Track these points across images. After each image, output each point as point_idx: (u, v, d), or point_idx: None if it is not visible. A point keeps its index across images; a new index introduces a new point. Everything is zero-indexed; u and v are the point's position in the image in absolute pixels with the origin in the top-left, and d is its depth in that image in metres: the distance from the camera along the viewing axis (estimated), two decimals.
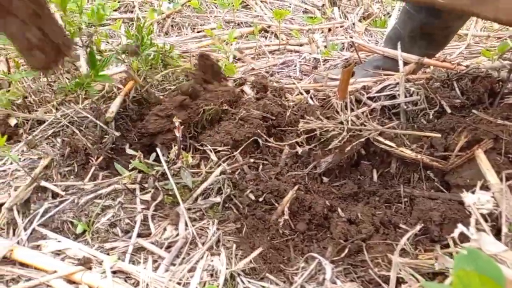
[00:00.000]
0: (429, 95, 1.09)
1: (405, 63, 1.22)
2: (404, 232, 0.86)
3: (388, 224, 0.90)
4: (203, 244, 0.82)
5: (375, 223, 0.88)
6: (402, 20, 1.33)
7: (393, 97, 1.13)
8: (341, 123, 0.97)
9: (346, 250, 0.78)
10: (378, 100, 1.13)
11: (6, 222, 0.83)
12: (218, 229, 0.85)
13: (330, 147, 0.95)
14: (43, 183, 0.89)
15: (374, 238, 0.85)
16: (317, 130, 0.98)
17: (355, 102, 1.13)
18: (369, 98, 1.13)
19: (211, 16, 2.04)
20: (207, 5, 2.15)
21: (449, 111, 1.07)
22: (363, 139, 0.97)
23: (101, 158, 0.92)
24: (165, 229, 0.85)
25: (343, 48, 1.67)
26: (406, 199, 0.96)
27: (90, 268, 0.75)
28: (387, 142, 0.99)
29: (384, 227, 0.89)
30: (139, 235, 0.82)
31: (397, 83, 1.14)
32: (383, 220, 0.90)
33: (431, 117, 1.06)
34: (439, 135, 0.97)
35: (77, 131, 0.97)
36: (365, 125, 0.98)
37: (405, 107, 1.08)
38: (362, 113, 1.01)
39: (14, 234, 0.82)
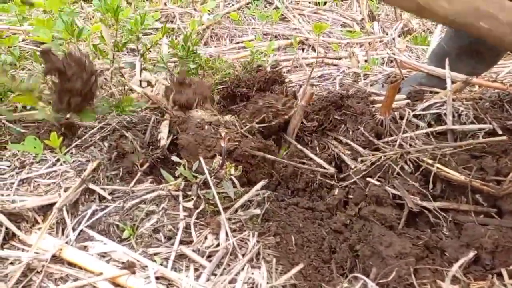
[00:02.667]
0: (478, 116, 1.05)
1: (452, 82, 1.19)
2: (452, 257, 0.83)
3: (433, 248, 0.87)
4: (243, 255, 0.81)
5: (420, 246, 0.86)
6: (449, 36, 1.30)
7: (439, 116, 1.10)
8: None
9: (394, 273, 0.75)
10: (423, 118, 1.10)
11: (56, 222, 0.86)
12: (258, 241, 0.85)
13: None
14: (91, 186, 0.92)
15: (420, 262, 0.82)
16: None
17: (399, 119, 1.10)
18: (414, 116, 1.10)
19: (249, 28, 2.08)
20: (245, 17, 2.18)
21: (500, 132, 1.02)
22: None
23: (147, 164, 0.95)
24: (206, 238, 0.85)
25: (383, 63, 1.65)
26: (452, 223, 0.92)
27: (134, 272, 0.76)
28: (430, 161, 0.96)
29: (429, 251, 0.86)
30: (181, 242, 0.83)
31: (444, 102, 1.10)
32: (428, 244, 0.87)
33: (480, 138, 1.02)
34: None
35: (129, 135, 1.00)
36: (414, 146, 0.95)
37: (452, 127, 1.05)
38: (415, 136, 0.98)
39: (63, 234, 0.84)
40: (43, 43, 1.55)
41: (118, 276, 0.75)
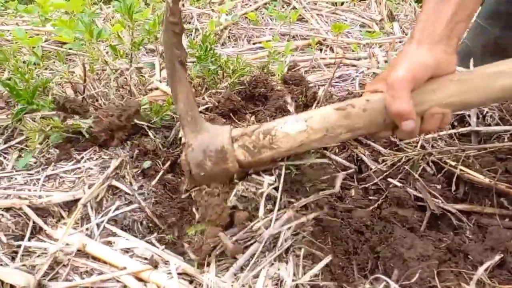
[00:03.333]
0: (504, 117, 1.03)
1: None
2: (476, 261, 0.81)
3: (456, 251, 0.85)
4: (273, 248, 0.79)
5: (442, 249, 0.84)
6: (473, 34, 1.28)
7: (462, 117, 1.08)
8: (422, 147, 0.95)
9: (417, 275, 0.75)
10: None
11: (80, 217, 0.88)
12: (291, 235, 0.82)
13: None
14: (114, 183, 0.94)
15: (442, 265, 0.81)
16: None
17: None
18: None
19: (266, 28, 2.08)
20: (263, 17, 2.19)
21: None
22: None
23: (168, 162, 0.96)
24: None
25: None
26: (476, 227, 0.91)
27: (156, 267, 0.78)
28: (453, 163, 0.95)
29: (452, 254, 0.85)
30: None
31: None
32: (451, 246, 0.85)
33: (506, 140, 1.00)
34: None
35: (151, 133, 1.02)
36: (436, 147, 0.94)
37: (477, 128, 1.03)
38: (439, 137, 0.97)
39: (87, 229, 0.86)
40: (65, 43, 1.60)
41: (141, 271, 0.76)
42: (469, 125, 1.04)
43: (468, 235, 0.89)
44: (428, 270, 0.77)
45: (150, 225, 0.87)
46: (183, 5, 2.33)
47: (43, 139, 1.03)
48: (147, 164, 0.96)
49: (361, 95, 1.17)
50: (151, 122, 1.05)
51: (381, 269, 0.80)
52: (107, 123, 0.98)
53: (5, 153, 1.04)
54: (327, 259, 0.78)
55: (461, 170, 0.94)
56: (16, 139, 1.06)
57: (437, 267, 0.79)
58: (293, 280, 0.73)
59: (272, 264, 0.76)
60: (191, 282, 0.75)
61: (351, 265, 0.80)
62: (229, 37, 2.03)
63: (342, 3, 2.35)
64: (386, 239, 0.86)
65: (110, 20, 2.13)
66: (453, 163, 0.96)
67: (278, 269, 0.75)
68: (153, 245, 0.83)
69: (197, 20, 2.13)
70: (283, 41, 1.89)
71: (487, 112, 1.05)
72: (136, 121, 1.03)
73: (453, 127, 1.07)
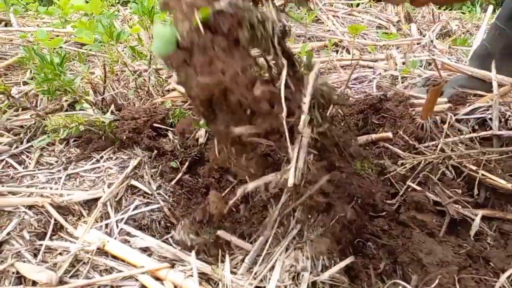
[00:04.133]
0: None
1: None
2: (497, 268, 0.79)
3: (476, 258, 0.83)
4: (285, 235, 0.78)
5: (462, 255, 0.83)
6: (491, 36, 1.25)
7: (484, 121, 1.06)
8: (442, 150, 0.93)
9: (437, 281, 0.73)
10: (467, 123, 1.06)
11: (100, 216, 0.89)
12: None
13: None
14: (133, 182, 0.95)
15: (462, 271, 0.79)
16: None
17: (440, 123, 1.07)
18: (457, 120, 1.06)
19: None
20: None
21: None
22: None
23: (187, 163, 0.97)
24: None
25: (421, 66, 1.60)
26: (498, 233, 0.89)
27: (173, 266, 0.78)
28: (473, 167, 0.93)
29: (473, 260, 0.83)
30: None
31: (489, 106, 1.06)
32: (471, 253, 0.84)
33: None
34: None
35: (170, 134, 1.03)
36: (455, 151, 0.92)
37: (499, 132, 1.00)
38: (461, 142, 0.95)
39: (106, 227, 0.88)
40: (84, 44, 1.63)
41: (159, 269, 0.77)
42: (491, 129, 1.02)
43: (489, 242, 0.87)
44: (448, 276, 0.76)
45: (168, 224, 0.88)
46: None
47: (65, 138, 1.05)
48: (174, 164, 0.98)
49: (379, 97, 1.16)
50: (171, 125, 1.07)
51: (399, 274, 0.79)
52: (132, 125, 0.99)
53: (28, 152, 1.07)
54: (348, 260, 0.76)
55: (482, 174, 0.92)
56: (38, 138, 1.09)
57: (457, 274, 0.77)
58: (310, 272, 0.70)
59: (288, 254, 0.73)
60: (207, 281, 0.76)
61: (368, 269, 0.80)
62: None
63: (358, 5, 2.33)
64: (404, 244, 0.85)
65: (128, 21, 2.16)
66: (474, 168, 0.94)
67: (295, 260, 0.72)
68: (171, 244, 0.84)
69: None
70: (299, 43, 1.89)
71: (509, 116, 1.02)
72: (156, 125, 1.04)
73: (474, 131, 1.04)
